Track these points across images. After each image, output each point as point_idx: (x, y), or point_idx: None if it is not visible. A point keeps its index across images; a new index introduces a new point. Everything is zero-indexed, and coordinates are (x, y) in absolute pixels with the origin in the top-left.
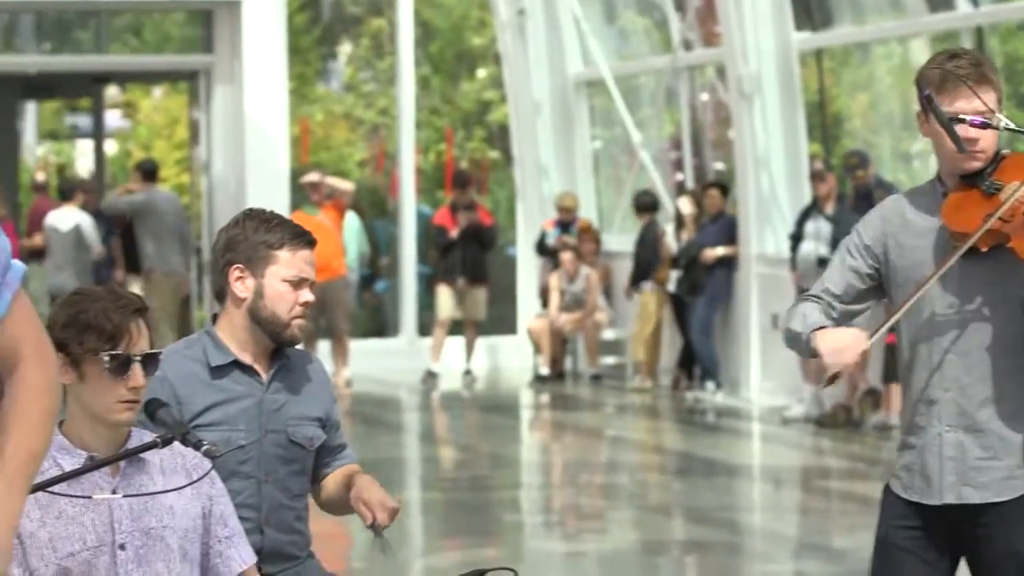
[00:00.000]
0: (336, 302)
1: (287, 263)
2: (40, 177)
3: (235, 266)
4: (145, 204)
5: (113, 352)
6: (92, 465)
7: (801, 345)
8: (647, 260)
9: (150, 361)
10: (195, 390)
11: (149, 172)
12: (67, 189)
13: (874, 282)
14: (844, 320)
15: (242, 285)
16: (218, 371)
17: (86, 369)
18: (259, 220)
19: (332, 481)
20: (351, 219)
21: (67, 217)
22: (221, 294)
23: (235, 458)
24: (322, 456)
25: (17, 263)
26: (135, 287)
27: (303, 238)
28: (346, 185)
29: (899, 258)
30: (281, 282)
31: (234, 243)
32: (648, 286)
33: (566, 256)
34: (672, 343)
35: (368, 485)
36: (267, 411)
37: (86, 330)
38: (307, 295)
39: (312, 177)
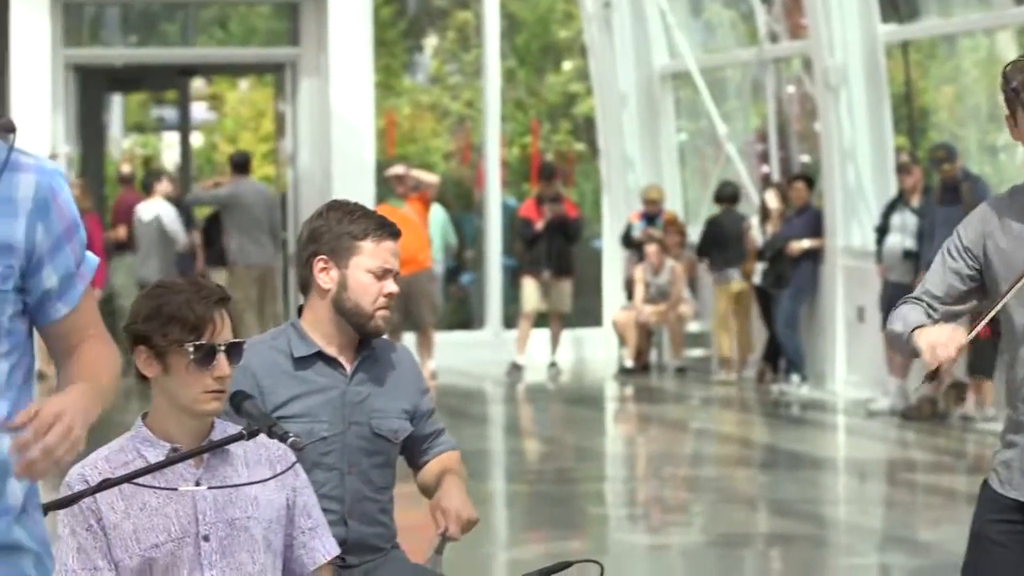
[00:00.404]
0: (421, 294)
1: (371, 254)
2: (126, 169)
3: (319, 257)
4: (229, 197)
5: (198, 343)
6: (176, 457)
7: (902, 344)
8: (714, 246)
9: (234, 351)
10: (278, 381)
11: (239, 164)
12: (149, 181)
13: (975, 283)
14: (946, 321)
15: (326, 276)
16: (301, 362)
17: (171, 361)
18: (343, 211)
19: (428, 473)
20: (437, 211)
21: (150, 209)
22: (305, 286)
23: (318, 450)
24: (417, 444)
25: (91, 256)
26: (218, 279)
27: (387, 229)
28: (431, 178)
29: (998, 259)
30: (365, 273)
31: (318, 234)
32: (733, 275)
33: (651, 248)
34: (757, 336)
35: (451, 492)
36: (350, 403)
37: (170, 322)
38: (391, 286)
39: (397, 170)
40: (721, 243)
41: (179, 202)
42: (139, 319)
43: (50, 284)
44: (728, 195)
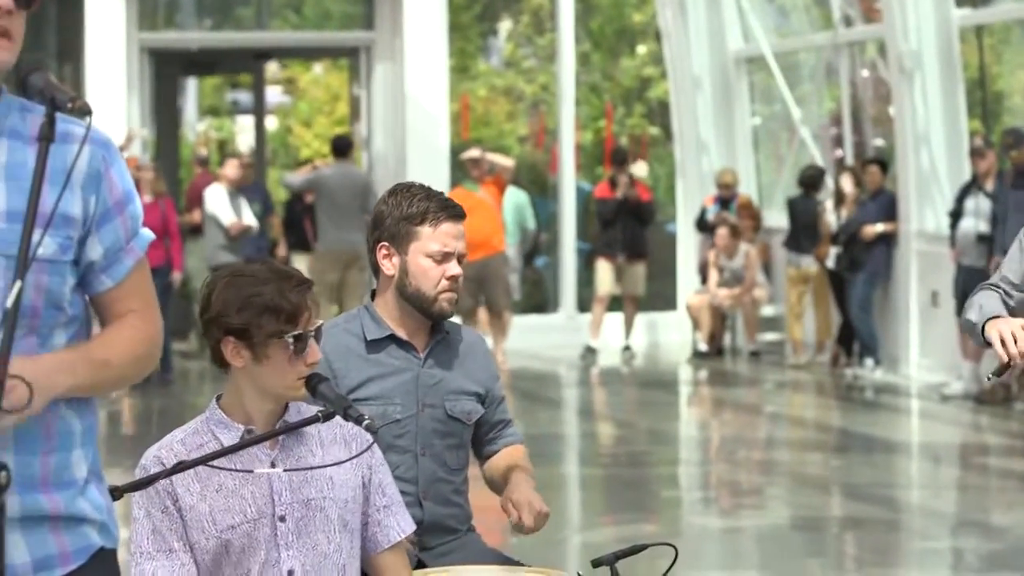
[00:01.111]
0: (495, 278)
1: (429, 238)
2: (203, 152)
3: (381, 244)
4: (315, 181)
5: (297, 333)
6: (252, 439)
7: (976, 334)
8: (797, 232)
9: (318, 334)
10: (351, 364)
11: (336, 148)
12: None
13: None
14: (1022, 308)
15: (388, 263)
16: (374, 345)
17: (268, 352)
18: (402, 196)
19: (495, 466)
20: (515, 195)
21: (211, 192)
22: (375, 270)
23: (391, 432)
24: (484, 431)
25: (146, 232)
26: (299, 263)
27: (446, 211)
28: (507, 161)
29: None
30: (424, 258)
31: (380, 220)
32: (806, 261)
33: (720, 232)
34: (832, 320)
35: (521, 485)
36: (424, 385)
37: (264, 313)
38: (453, 268)
39: (473, 153)
40: (795, 227)
41: (254, 186)
42: (230, 311)
43: (95, 256)
44: (809, 180)
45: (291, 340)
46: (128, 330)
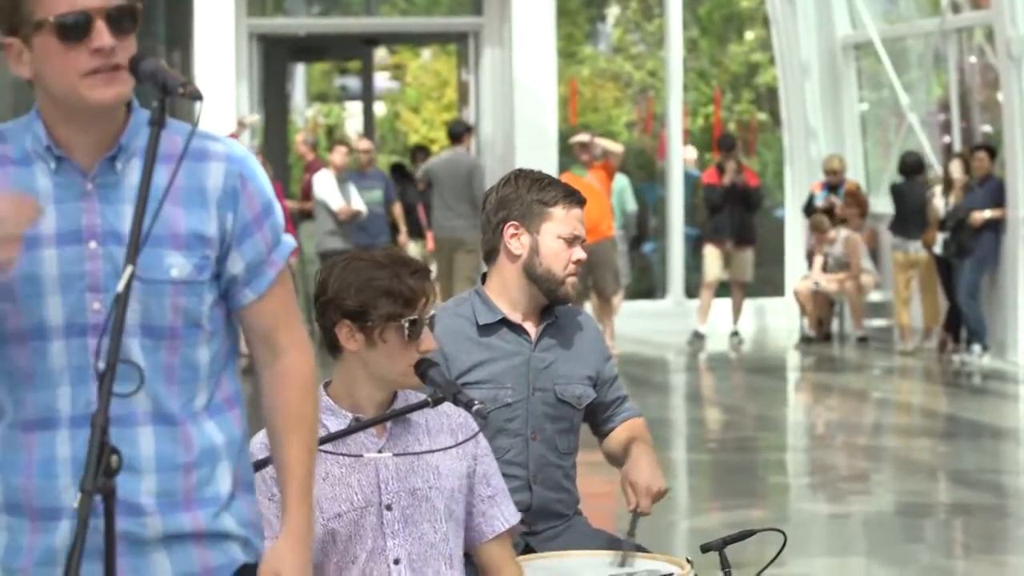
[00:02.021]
0: (604, 263)
1: (562, 220)
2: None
3: (509, 223)
4: (429, 168)
5: (413, 318)
6: (359, 425)
7: None
8: (904, 218)
9: (431, 323)
10: (462, 348)
11: (451, 134)
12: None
13: None
14: None
15: (517, 242)
16: (486, 329)
17: (383, 336)
18: (531, 179)
19: (615, 439)
20: (617, 179)
21: (318, 178)
22: (492, 253)
23: (502, 416)
24: (601, 411)
25: (287, 239)
26: (413, 250)
27: (575, 196)
28: (617, 147)
29: None
30: (556, 239)
31: (507, 201)
32: (913, 247)
33: (817, 219)
34: (940, 306)
35: (640, 463)
36: (535, 369)
37: (382, 296)
38: (580, 253)
39: (583, 137)
40: (900, 213)
41: (374, 172)
42: (348, 293)
43: (236, 270)
44: (911, 165)
45: (406, 324)
46: (304, 388)
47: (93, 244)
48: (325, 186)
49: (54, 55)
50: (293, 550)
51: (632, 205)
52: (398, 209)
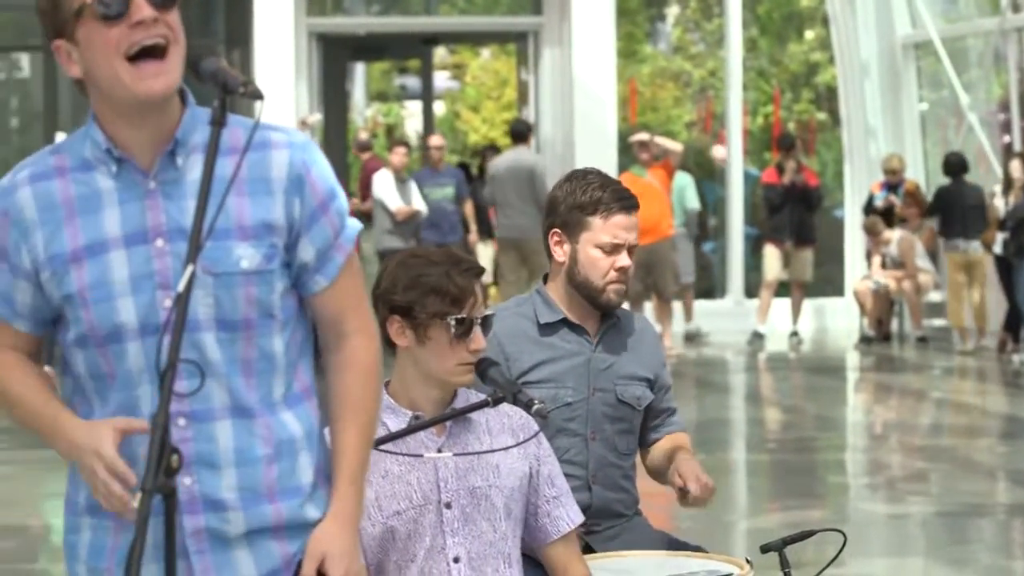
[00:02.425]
0: (663, 263)
1: (600, 229)
2: (363, 136)
3: (554, 230)
4: (490, 172)
5: (460, 316)
6: (419, 424)
7: None
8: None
9: (486, 322)
10: (523, 347)
11: (513, 134)
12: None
13: None
14: None
15: (560, 250)
16: (547, 328)
17: (429, 332)
18: (577, 183)
19: (658, 449)
20: (677, 176)
21: (378, 178)
22: (549, 255)
23: (562, 416)
24: (649, 419)
25: (353, 223)
26: (483, 250)
27: (620, 203)
28: (676, 146)
29: None
30: (594, 248)
31: (554, 207)
32: (965, 246)
33: (870, 223)
34: (1000, 306)
35: (687, 460)
36: (595, 369)
37: (430, 293)
38: (623, 260)
39: (642, 136)
40: (950, 214)
41: (446, 170)
42: (397, 289)
43: (307, 257)
44: (955, 166)
45: (453, 322)
46: (368, 374)
47: (160, 242)
48: (384, 186)
49: (97, 39)
50: (341, 531)
51: (694, 203)
52: (469, 207)
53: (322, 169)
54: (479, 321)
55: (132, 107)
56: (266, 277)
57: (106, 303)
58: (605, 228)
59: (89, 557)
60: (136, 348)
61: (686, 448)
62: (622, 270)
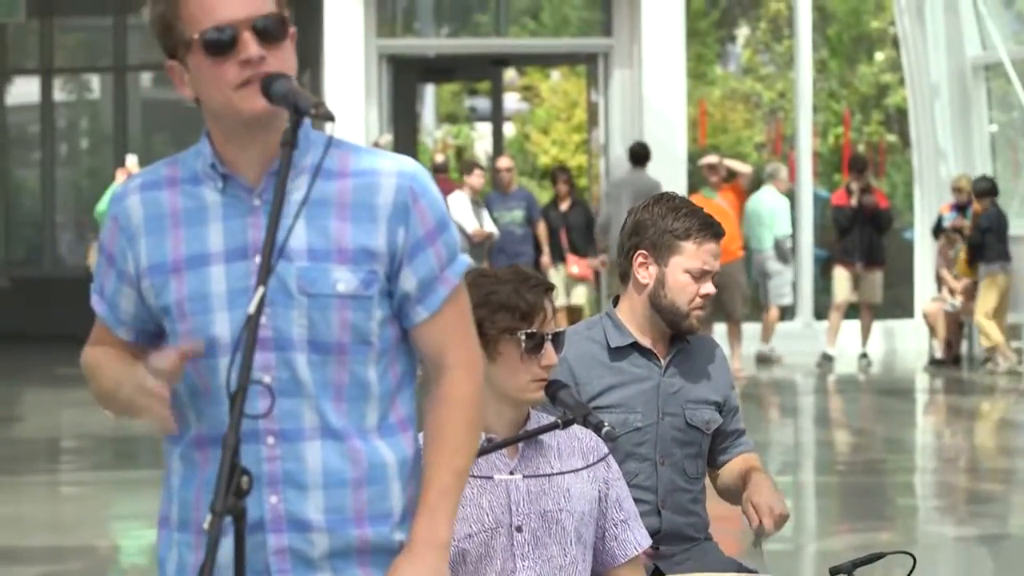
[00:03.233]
0: (733, 285)
1: (692, 255)
2: (439, 159)
3: (639, 252)
4: (611, 184)
5: (530, 331)
6: (492, 446)
7: None
8: (981, 242)
9: (558, 340)
10: (593, 371)
11: (632, 155)
12: (461, 171)
13: None
14: None
15: (644, 272)
16: (617, 353)
17: (500, 349)
18: (669, 206)
19: (729, 471)
20: (773, 197)
21: (452, 200)
22: (624, 276)
23: (631, 440)
24: (719, 441)
25: (463, 257)
26: (555, 275)
27: (711, 230)
28: (745, 168)
29: None
30: (683, 273)
31: (641, 228)
32: (996, 267)
33: (941, 243)
34: None
35: (761, 486)
36: (664, 394)
37: (500, 310)
38: (708, 287)
39: (711, 159)
40: (983, 238)
41: (517, 192)
42: None
43: (409, 287)
44: (984, 190)
45: (523, 337)
46: (456, 417)
47: (259, 259)
48: (460, 208)
49: (206, 71)
50: (410, 563)
51: (785, 227)
52: (542, 229)
53: (432, 198)
54: (550, 337)
55: (240, 126)
56: (363, 303)
57: (202, 316)
58: (697, 254)
59: (175, 574)
60: (227, 364)
61: (758, 468)
62: (706, 296)
